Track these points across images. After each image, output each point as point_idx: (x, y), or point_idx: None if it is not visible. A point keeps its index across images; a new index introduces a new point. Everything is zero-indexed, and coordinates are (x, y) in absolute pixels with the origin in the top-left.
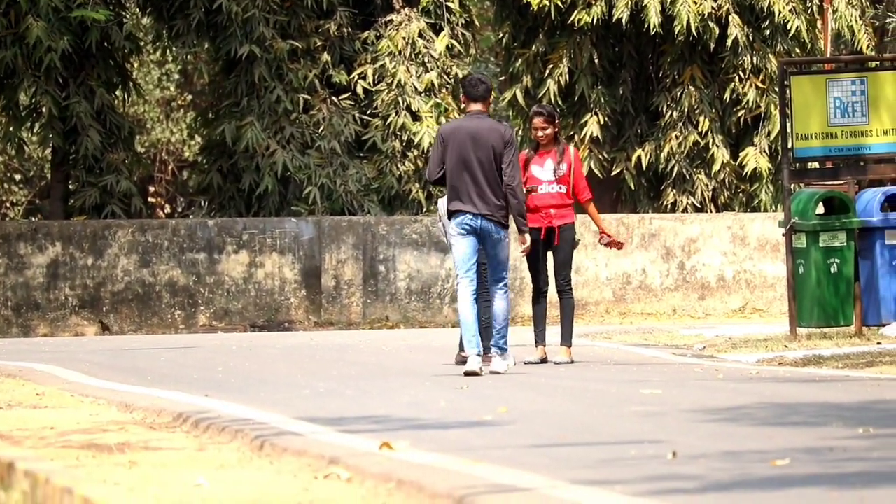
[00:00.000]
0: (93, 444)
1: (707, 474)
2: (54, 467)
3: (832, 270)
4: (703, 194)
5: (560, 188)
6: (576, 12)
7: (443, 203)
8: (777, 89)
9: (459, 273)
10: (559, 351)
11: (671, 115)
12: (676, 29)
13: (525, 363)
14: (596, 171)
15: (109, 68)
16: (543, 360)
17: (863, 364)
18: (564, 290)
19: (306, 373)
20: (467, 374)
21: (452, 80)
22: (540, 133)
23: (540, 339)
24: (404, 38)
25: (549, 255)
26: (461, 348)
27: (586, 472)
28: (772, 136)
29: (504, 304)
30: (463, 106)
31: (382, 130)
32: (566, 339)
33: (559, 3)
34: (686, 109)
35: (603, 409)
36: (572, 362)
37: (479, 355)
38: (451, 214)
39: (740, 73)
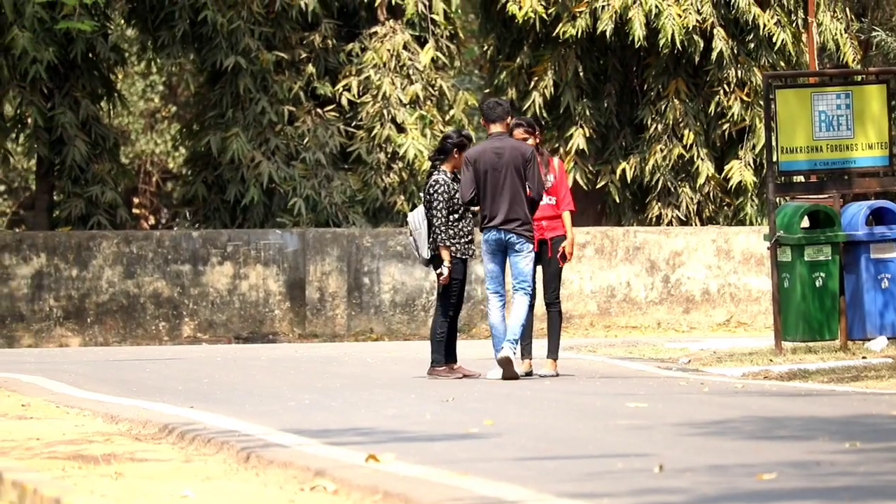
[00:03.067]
0: (79, 455)
1: (694, 488)
2: (42, 478)
3: (817, 284)
4: (687, 207)
5: (550, 200)
6: (560, 25)
7: (413, 216)
8: (762, 103)
9: (489, 289)
10: (544, 364)
11: (656, 128)
12: (661, 42)
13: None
14: (581, 184)
15: (94, 79)
16: (529, 374)
17: (848, 378)
18: (553, 303)
19: (291, 385)
20: (500, 361)
21: (437, 93)
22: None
23: (526, 352)
24: (389, 51)
25: (538, 268)
26: (522, 356)
27: (573, 485)
28: (757, 150)
29: (522, 309)
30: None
31: (367, 142)
32: (553, 352)
33: (544, 15)
34: (671, 122)
35: (589, 423)
36: (557, 375)
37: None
38: (482, 231)
39: (725, 86)
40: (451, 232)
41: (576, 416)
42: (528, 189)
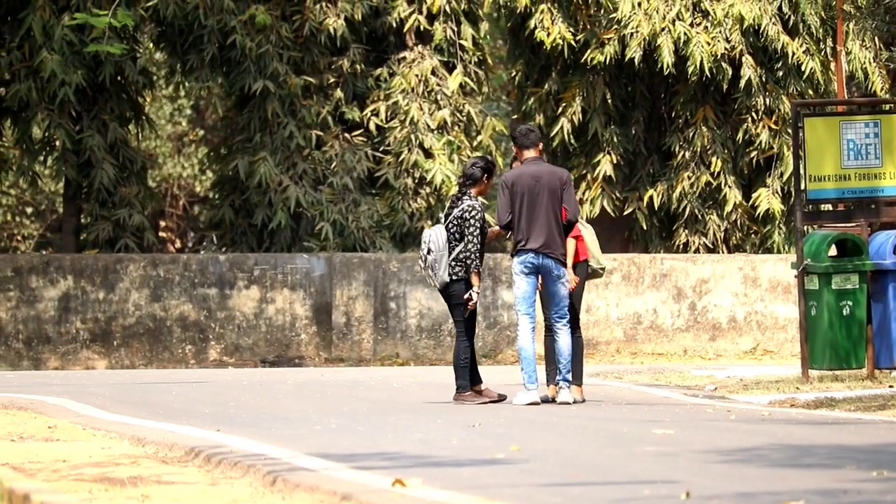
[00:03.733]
0: (105, 478)
1: None
2: (69, 500)
3: (844, 313)
4: (715, 235)
5: None
6: (589, 51)
7: (433, 237)
8: (790, 131)
9: (520, 311)
10: (570, 390)
11: (683, 155)
12: (690, 69)
13: (527, 404)
14: (608, 211)
15: (123, 102)
16: (553, 399)
17: (875, 407)
18: (575, 328)
19: (318, 409)
20: (531, 403)
21: (465, 118)
22: None
23: (552, 377)
24: (417, 76)
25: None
26: (548, 383)
27: None
28: (784, 178)
29: (568, 338)
30: (513, 156)
31: (395, 167)
32: (577, 377)
33: (572, 42)
34: (698, 150)
35: (616, 449)
36: (584, 401)
37: (535, 388)
38: (516, 253)
39: (753, 114)
40: (479, 259)
41: (602, 443)
42: (564, 211)
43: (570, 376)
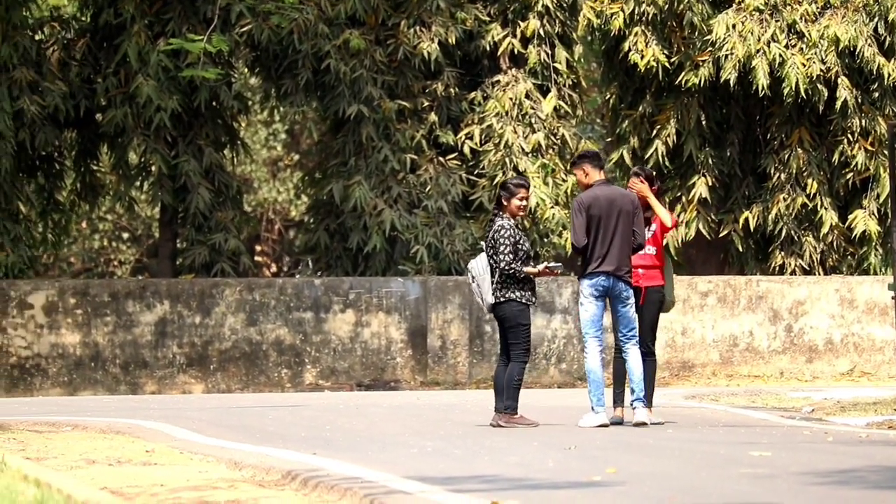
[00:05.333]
0: (203, 501)
1: None
2: None
3: None
4: (811, 256)
5: (650, 249)
6: (683, 73)
7: (475, 264)
8: (886, 152)
9: (588, 333)
10: (643, 413)
11: (779, 177)
12: (785, 91)
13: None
14: (704, 233)
15: (217, 127)
16: (621, 422)
17: None
18: (650, 351)
19: (413, 432)
20: (600, 426)
21: (559, 141)
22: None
23: (618, 399)
24: (511, 99)
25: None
26: (614, 405)
27: None
28: (881, 199)
29: (638, 358)
30: (577, 175)
31: (489, 190)
32: (650, 399)
33: (666, 64)
34: (794, 171)
35: (712, 471)
36: (657, 423)
37: (603, 411)
38: (587, 276)
39: (849, 135)
40: (516, 276)
41: (698, 465)
42: (635, 235)
43: (643, 396)
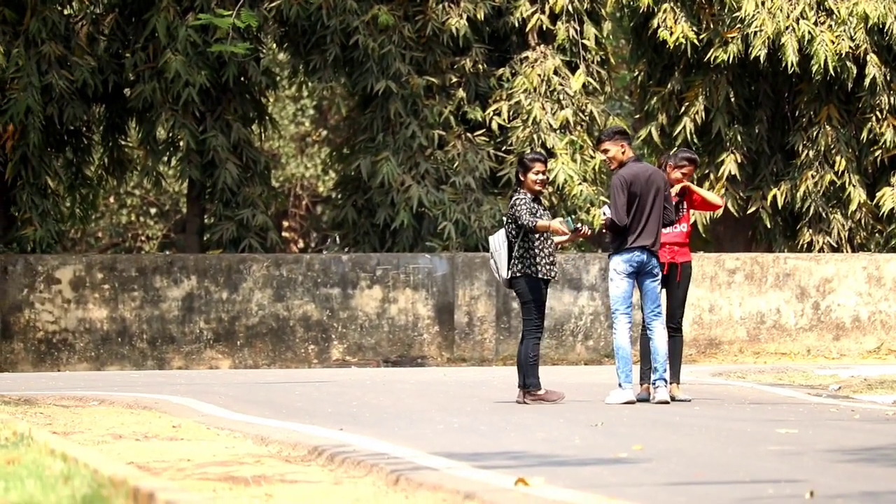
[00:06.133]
0: (229, 477)
1: None
2: (194, 498)
3: None
4: (839, 234)
5: (683, 227)
6: (712, 50)
7: (494, 238)
8: None
9: (619, 310)
10: (671, 388)
11: (807, 154)
12: (814, 68)
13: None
14: (732, 210)
15: (246, 103)
16: (647, 399)
17: None
18: (679, 328)
19: (440, 408)
20: (626, 402)
21: (587, 118)
22: (678, 174)
23: (646, 376)
24: (539, 76)
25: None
26: (641, 381)
27: None
28: None
29: (664, 336)
30: (606, 151)
31: (517, 167)
32: (675, 376)
33: (695, 41)
34: (822, 149)
35: (739, 448)
36: (685, 399)
37: (631, 388)
38: (621, 251)
39: (878, 112)
40: (534, 251)
41: (725, 442)
42: (666, 212)
43: (667, 375)
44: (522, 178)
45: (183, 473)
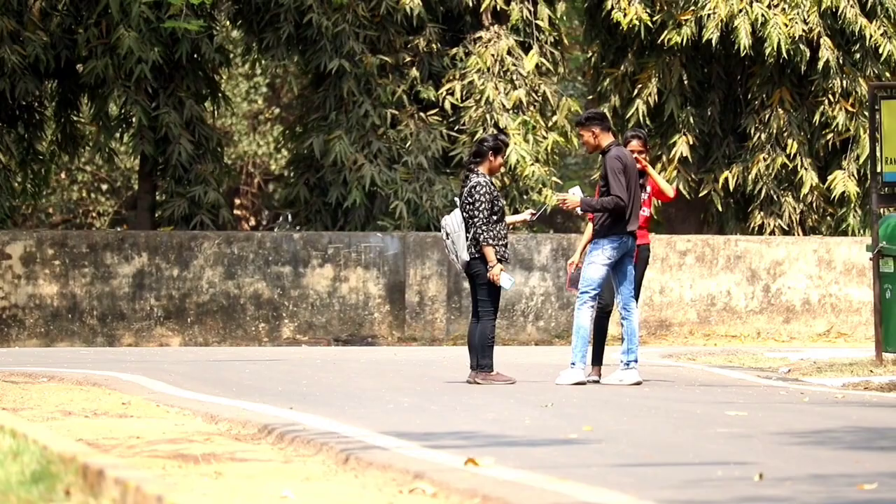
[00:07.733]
0: (179, 454)
1: (794, 496)
2: (144, 476)
3: None
4: (790, 217)
5: (645, 211)
6: (665, 32)
7: (449, 220)
8: (867, 113)
9: (588, 293)
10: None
11: (759, 137)
12: (767, 51)
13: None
14: (683, 192)
15: (199, 80)
16: (597, 381)
17: None
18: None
19: (391, 387)
20: (577, 383)
21: (540, 98)
22: (636, 156)
23: (597, 359)
24: (493, 56)
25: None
26: (593, 363)
27: (673, 491)
28: (861, 160)
29: (638, 318)
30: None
31: (469, 147)
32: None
33: (649, 23)
34: (774, 132)
35: (688, 430)
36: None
37: (584, 369)
38: (614, 236)
39: (830, 96)
40: (491, 233)
41: (675, 424)
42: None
43: (632, 357)
44: (491, 160)
45: (132, 451)
